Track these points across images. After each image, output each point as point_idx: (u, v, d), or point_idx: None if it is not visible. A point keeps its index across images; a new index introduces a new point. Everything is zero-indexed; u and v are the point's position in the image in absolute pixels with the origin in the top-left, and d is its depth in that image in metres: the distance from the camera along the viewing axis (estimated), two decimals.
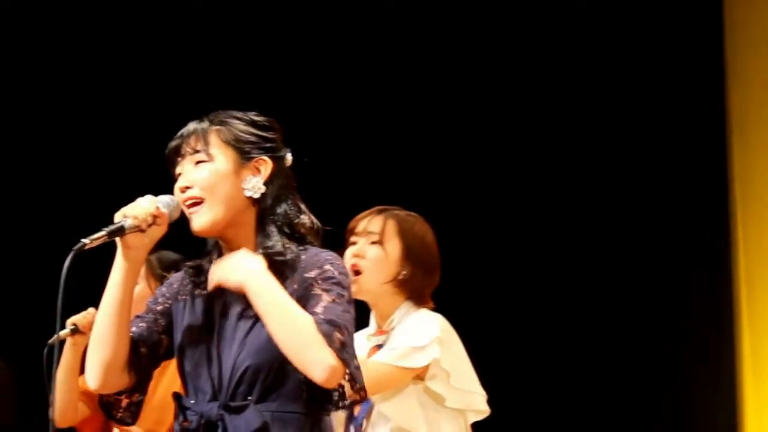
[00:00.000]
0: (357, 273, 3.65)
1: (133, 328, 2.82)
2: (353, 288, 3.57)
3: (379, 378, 3.51)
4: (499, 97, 5.95)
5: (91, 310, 3.92)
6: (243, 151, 2.80)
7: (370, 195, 3.95)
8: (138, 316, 2.85)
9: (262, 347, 2.71)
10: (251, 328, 2.73)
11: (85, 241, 2.69)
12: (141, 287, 3.83)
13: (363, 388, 2.73)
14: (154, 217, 2.74)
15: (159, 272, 3.82)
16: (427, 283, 3.73)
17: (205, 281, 2.82)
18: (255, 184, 2.79)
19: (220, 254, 2.85)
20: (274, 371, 2.71)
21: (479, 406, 3.67)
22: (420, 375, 3.58)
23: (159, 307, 2.87)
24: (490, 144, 5.95)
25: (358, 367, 2.72)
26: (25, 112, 6.03)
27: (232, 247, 2.81)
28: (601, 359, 5.72)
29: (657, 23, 5.78)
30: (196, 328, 2.81)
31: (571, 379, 5.74)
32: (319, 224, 2.86)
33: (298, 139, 2.94)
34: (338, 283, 2.74)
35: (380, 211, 3.76)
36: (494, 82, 5.95)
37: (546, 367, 5.76)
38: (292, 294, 2.69)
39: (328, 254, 2.79)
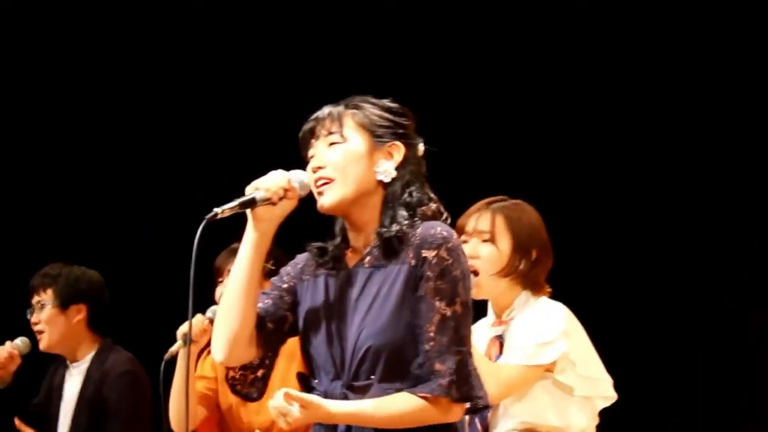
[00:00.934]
0: (475, 273, 3.61)
1: (259, 304, 2.83)
2: (473, 290, 3.49)
3: (512, 381, 3.55)
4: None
5: (198, 316, 3.96)
6: (376, 135, 2.81)
7: (486, 180, 3.90)
8: (264, 293, 2.86)
9: (382, 328, 2.71)
10: (369, 308, 2.73)
11: (217, 210, 2.71)
12: None
13: (483, 396, 2.75)
14: (285, 190, 2.75)
15: None
16: (542, 269, 3.71)
17: (328, 262, 2.84)
18: (387, 168, 2.80)
19: (345, 237, 2.85)
20: (396, 352, 2.70)
21: (606, 392, 3.66)
22: (549, 368, 3.59)
23: (284, 285, 2.88)
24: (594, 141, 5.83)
25: (473, 383, 2.72)
26: (25, 113, 6.11)
27: (357, 228, 2.82)
28: (724, 346, 5.58)
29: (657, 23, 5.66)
30: (317, 308, 2.82)
31: (694, 362, 5.62)
32: (446, 213, 2.84)
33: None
34: (454, 280, 2.71)
35: (486, 206, 3.72)
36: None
37: (665, 351, 5.66)
38: (405, 269, 2.70)
39: (443, 229, 2.74)
